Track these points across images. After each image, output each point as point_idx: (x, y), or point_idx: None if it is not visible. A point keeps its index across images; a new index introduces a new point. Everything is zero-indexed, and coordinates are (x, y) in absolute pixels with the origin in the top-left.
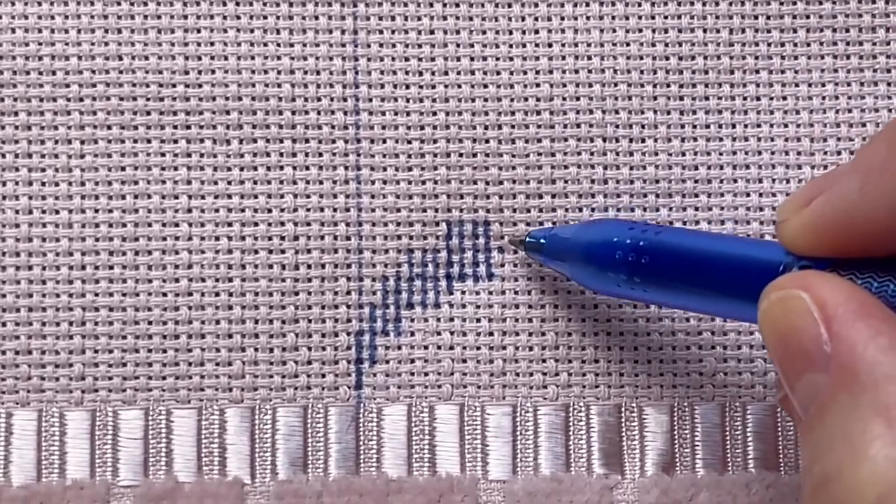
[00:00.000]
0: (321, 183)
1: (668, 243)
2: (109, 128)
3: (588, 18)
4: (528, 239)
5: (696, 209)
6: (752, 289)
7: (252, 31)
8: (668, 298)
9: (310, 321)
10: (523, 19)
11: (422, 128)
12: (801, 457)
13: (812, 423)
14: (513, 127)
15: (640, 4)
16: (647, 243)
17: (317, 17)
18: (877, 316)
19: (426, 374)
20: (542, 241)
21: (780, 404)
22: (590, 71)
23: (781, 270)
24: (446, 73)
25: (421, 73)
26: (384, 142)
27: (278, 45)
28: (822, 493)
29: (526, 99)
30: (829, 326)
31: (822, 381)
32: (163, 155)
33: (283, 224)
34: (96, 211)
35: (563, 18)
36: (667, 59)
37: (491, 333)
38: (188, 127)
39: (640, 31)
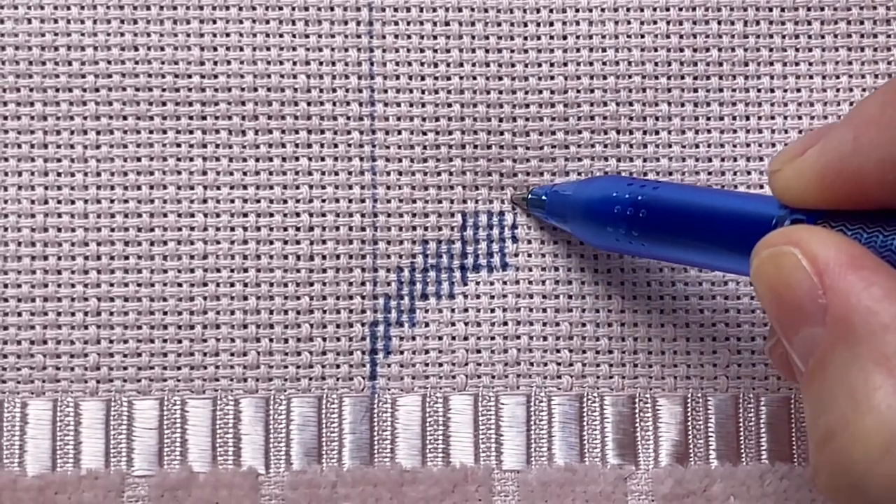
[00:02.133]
0: (336, 174)
1: (665, 198)
2: (125, 118)
3: (603, 10)
4: (530, 196)
5: None
6: (746, 242)
7: (267, 21)
8: (666, 252)
9: (324, 312)
10: (538, 11)
11: (437, 119)
12: (805, 410)
13: (812, 376)
14: (527, 119)
15: None
16: (645, 198)
17: (332, 8)
18: (868, 267)
19: (440, 365)
20: (543, 197)
21: (768, 354)
22: (604, 63)
23: (774, 224)
24: (461, 65)
25: (436, 65)
26: (399, 133)
27: (294, 35)
28: (828, 446)
29: (540, 91)
30: (822, 280)
31: (819, 335)
32: (178, 145)
33: (298, 215)
34: (111, 201)
35: (577, 10)
36: (681, 51)
37: (505, 324)
38: (203, 118)
39: (655, 23)
